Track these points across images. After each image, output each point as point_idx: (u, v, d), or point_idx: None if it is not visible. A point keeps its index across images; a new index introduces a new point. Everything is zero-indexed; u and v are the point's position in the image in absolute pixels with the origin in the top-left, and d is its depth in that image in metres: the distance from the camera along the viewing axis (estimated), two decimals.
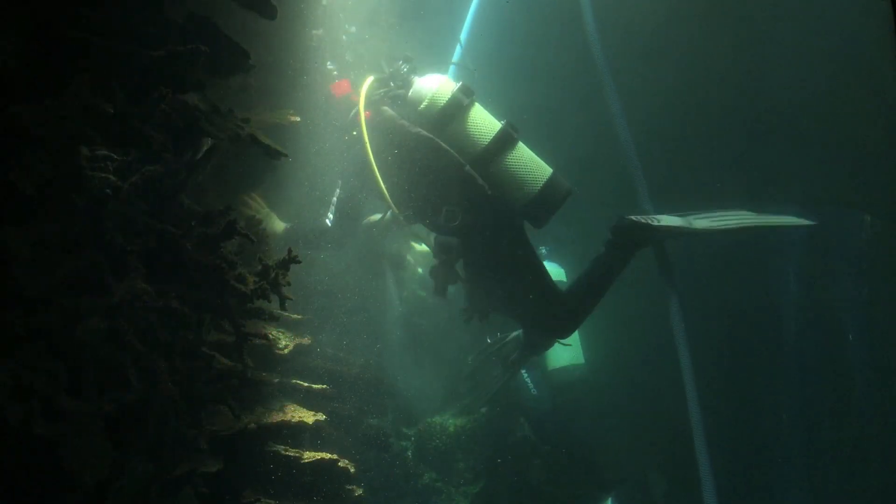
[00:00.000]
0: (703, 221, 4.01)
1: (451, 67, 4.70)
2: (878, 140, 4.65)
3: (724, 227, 3.95)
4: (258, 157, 3.12)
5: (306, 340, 4.03)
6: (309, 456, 3.58)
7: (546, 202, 3.75)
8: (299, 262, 2.84)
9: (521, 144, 3.81)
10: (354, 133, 3.76)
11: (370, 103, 3.81)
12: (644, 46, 5.28)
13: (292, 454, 3.54)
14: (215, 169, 3.08)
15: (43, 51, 2.13)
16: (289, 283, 2.86)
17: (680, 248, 4.18)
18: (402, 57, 3.97)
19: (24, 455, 2.15)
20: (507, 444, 5.41)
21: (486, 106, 3.88)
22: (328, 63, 4.26)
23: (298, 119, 3.71)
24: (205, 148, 2.79)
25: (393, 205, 3.77)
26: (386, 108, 3.80)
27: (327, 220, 3.88)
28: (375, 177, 3.67)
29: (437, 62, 4.25)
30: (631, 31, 5.21)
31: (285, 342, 3.85)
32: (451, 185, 3.72)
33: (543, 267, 4.00)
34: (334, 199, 3.91)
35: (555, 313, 4.00)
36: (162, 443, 2.64)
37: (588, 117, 5.09)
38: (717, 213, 4.09)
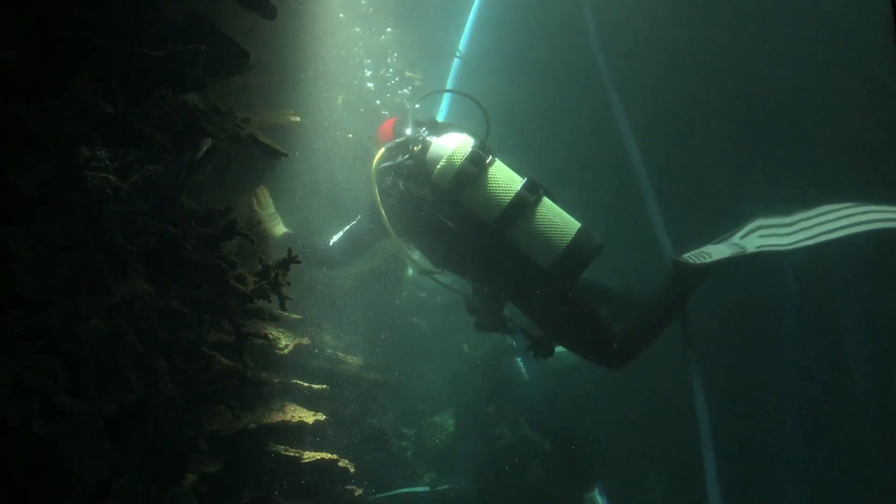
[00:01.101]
0: (752, 239, 3.82)
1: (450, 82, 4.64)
2: (878, 139, 4.65)
3: (778, 248, 3.74)
4: (258, 157, 3.13)
5: (306, 340, 4.03)
6: (309, 456, 3.58)
7: (573, 260, 3.52)
8: (299, 262, 2.84)
9: (545, 201, 3.57)
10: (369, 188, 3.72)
11: (384, 170, 3.73)
12: (642, 45, 5.28)
13: (292, 454, 3.54)
14: (215, 169, 3.09)
15: (43, 51, 2.13)
16: (289, 283, 2.86)
17: (679, 248, 4.16)
18: (420, 120, 3.86)
19: (24, 455, 2.15)
20: (507, 443, 5.41)
21: (508, 161, 3.68)
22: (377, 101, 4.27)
23: (298, 119, 3.72)
24: (205, 148, 2.80)
25: (423, 260, 3.82)
26: (400, 182, 3.67)
27: (331, 241, 3.87)
28: (400, 246, 3.71)
29: (433, 59, 4.19)
30: (629, 30, 5.21)
31: (285, 342, 3.85)
32: (469, 254, 3.64)
33: (592, 312, 3.80)
34: (347, 227, 3.88)
35: (608, 356, 3.84)
36: (162, 443, 2.64)
37: (587, 116, 5.09)
38: (772, 225, 3.90)
